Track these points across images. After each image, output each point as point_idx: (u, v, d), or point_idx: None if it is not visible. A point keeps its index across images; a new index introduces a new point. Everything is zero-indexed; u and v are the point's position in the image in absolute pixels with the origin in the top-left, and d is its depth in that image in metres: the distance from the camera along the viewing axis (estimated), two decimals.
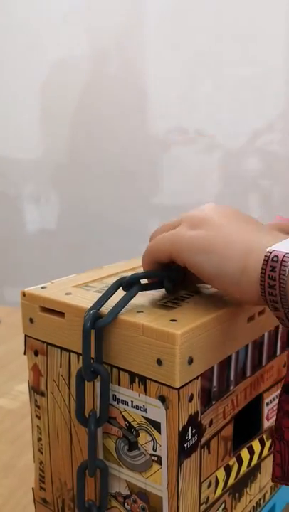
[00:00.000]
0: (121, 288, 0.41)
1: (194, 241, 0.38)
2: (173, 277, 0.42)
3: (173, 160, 1.56)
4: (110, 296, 0.40)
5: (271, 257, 0.34)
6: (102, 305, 0.40)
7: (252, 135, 1.51)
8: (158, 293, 0.44)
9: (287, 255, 0.34)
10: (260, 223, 0.41)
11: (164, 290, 0.43)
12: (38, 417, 0.47)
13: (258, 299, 0.36)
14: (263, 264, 0.34)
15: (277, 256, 0.34)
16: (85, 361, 0.39)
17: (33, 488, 0.50)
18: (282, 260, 0.34)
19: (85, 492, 0.43)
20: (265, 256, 0.35)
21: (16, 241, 1.82)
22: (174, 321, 0.37)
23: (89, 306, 0.40)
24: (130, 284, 0.41)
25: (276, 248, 0.35)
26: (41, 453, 0.48)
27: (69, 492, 0.46)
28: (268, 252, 0.35)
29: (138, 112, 1.62)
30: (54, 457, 0.47)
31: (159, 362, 0.36)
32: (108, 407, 0.40)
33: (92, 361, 0.39)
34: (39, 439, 0.48)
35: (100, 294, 0.41)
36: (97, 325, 0.39)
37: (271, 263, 0.34)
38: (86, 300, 0.42)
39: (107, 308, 0.39)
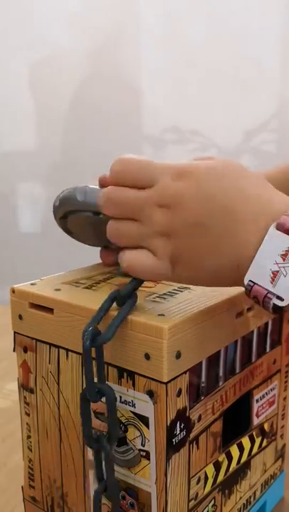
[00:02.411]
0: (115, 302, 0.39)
1: (180, 281, 0.38)
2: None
3: (167, 159, 1.56)
4: (106, 312, 0.38)
5: (252, 296, 0.34)
6: (99, 321, 0.38)
7: (246, 134, 1.51)
8: (146, 288, 0.43)
9: (268, 295, 0.33)
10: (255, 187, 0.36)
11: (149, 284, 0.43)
12: (28, 415, 0.47)
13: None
14: (246, 292, 0.34)
15: (256, 297, 0.33)
16: (88, 381, 0.37)
17: (22, 487, 0.50)
18: (263, 301, 0.33)
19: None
20: (246, 290, 0.34)
21: (8, 239, 1.82)
22: (162, 315, 0.37)
23: (78, 303, 0.40)
24: (124, 298, 0.38)
25: (253, 279, 0.33)
26: (30, 450, 0.48)
27: (58, 490, 0.46)
28: (248, 285, 0.33)
29: (133, 112, 1.62)
30: (43, 455, 0.47)
31: (147, 356, 0.36)
32: (118, 428, 0.39)
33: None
34: (28, 437, 0.48)
35: (90, 291, 0.41)
36: (97, 342, 0.37)
37: (254, 299, 0.34)
38: (75, 296, 0.42)
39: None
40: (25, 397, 0.47)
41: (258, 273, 0.33)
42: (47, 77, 1.69)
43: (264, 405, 0.50)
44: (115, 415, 0.38)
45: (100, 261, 0.53)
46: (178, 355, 0.36)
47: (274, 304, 0.32)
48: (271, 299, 0.33)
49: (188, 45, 1.50)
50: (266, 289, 0.33)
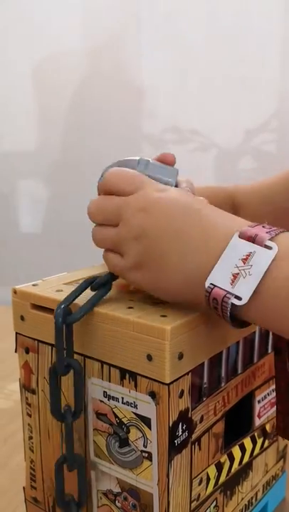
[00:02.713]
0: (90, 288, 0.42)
1: (141, 285, 0.40)
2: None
3: None
4: (79, 295, 0.41)
5: (211, 298, 0.35)
6: (71, 301, 0.40)
7: (247, 134, 1.51)
8: None
9: (227, 296, 0.34)
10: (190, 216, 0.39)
11: None
12: (29, 415, 0.47)
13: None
14: (205, 297, 0.35)
15: (216, 299, 0.35)
16: (58, 355, 0.39)
17: (24, 487, 0.50)
18: (221, 303, 0.34)
19: (64, 486, 0.42)
20: (206, 293, 0.35)
21: (9, 239, 1.81)
22: (164, 316, 0.37)
23: (79, 304, 0.40)
24: (100, 286, 0.42)
25: (214, 282, 0.35)
26: (32, 451, 0.48)
27: None
28: (208, 288, 0.35)
29: (133, 111, 1.62)
30: (45, 456, 0.47)
31: (149, 357, 0.36)
32: (82, 401, 0.40)
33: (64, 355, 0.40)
34: (30, 438, 0.48)
35: (93, 292, 0.41)
36: (68, 320, 0.39)
37: (213, 303, 0.35)
38: (77, 297, 0.42)
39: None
40: (26, 398, 0.47)
41: (219, 276, 0.35)
42: (47, 77, 1.69)
43: (266, 406, 0.50)
44: (81, 390, 0.40)
45: (101, 261, 0.53)
46: (180, 356, 0.36)
47: (232, 304, 0.34)
48: (229, 299, 0.34)
49: (189, 45, 1.50)
50: (225, 290, 0.34)
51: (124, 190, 0.40)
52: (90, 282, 0.42)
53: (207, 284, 0.35)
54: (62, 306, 0.39)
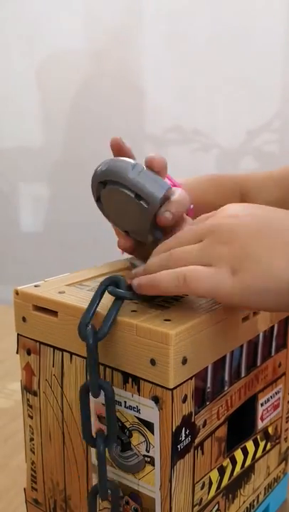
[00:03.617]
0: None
1: (242, 292, 0.35)
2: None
3: (169, 159, 1.55)
4: (98, 304, 0.39)
5: None
6: (92, 316, 0.38)
7: (248, 134, 1.50)
8: None
9: None
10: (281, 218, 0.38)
11: None
12: (31, 417, 0.47)
13: None
14: None
15: None
16: (93, 378, 0.37)
17: (24, 489, 0.50)
18: None
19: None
20: None
21: (10, 238, 1.81)
22: (168, 320, 0.37)
23: (82, 306, 0.40)
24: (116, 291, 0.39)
25: None
26: (33, 453, 0.48)
27: (61, 493, 0.46)
28: None
29: (135, 111, 1.61)
30: (46, 457, 0.46)
31: (153, 362, 0.36)
32: (116, 426, 0.39)
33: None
34: (31, 439, 0.47)
35: (94, 293, 0.40)
36: (98, 339, 0.37)
37: None
38: (79, 299, 0.42)
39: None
40: (28, 400, 0.47)
41: None
42: (49, 76, 1.68)
43: (269, 409, 0.50)
44: (114, 414, 0.38)
45: (102, 262, 0.53)
46: (184, 361, 0.36)
47: None
48: None
49: (191, 45, 1.50)
50: None
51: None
52: (105, 289, 0.39)
53: None
54: (89, 325, 0.37)
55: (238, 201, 0.44)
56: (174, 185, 0.57)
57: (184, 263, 0.36)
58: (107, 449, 0.41)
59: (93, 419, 0.41)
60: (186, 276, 0.35)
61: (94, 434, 0.39)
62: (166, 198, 0.45)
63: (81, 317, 0.38)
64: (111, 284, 0.39)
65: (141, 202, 0.44)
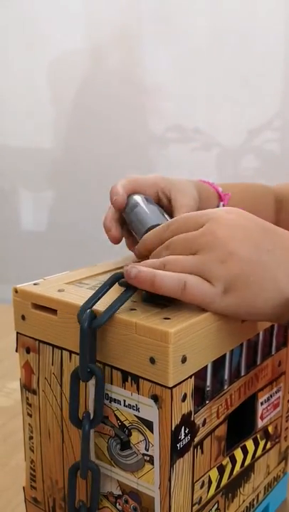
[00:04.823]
0: (117, 284, 0.40)
1: (233, 309, 0.38)
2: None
3: (170, 158, 1.55)
4: (105, 293, 0.40)
5: None
6: (96, 302, 0.39)
7: (249, 133, 1.50)
8: None
9: None
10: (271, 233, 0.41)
11: None
12: (30, 415, 0.47)
13: None
14: None
15: None
16: (82, 361, 0.38)
17: (24, 488, 0.50)
18: None
19: (76, 493, 0.42)
20: None
21: (11, 237, 1.81)
22: (168, 319, 0.37)
23: (82, 304, 0.39)
24: (128, 283, 0.39)
25: None
26: (32, 452, 0.48)
27: (60, 491, 0.46)
28: None
29: (136, 110, 1.61)
30: (45, 456, 0.46)
31: (152, 360, 0.36)
32: (102, 408, 0.40)
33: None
34: (30, 438, 0.47)
35: (93, 291, 0.40)
36: (93, 325, 0.38)
37: None
38: (79, 297, 0.42)
39: (99, 305, 0.39)
40: (27, 398, 0.46)
41: None
42: (50, 76, 1.68)
43: (268, 408, 0.50)
44: (102, 397, 0.39)
45: (102, 261, 0.53)
46: (183, 360, 0.36)
47: None
48: None
49: (192, 43, 1.50)
50: None
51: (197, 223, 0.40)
52: (117, 279, 0.40)
53: None
54: (89, 310, 0.38)
55: (271, 208, 0.47)
56: (220, 196, 0.59)
57: (180, 268, 0.38)
58: (106, 448, 0.41)
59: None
60: (187, 283, 0.37)
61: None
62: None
63: (84, 302, 0.39)
64: (123, 276, 0.40)
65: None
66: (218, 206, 0.60)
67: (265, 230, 0.40)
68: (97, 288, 0.43)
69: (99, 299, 0.39)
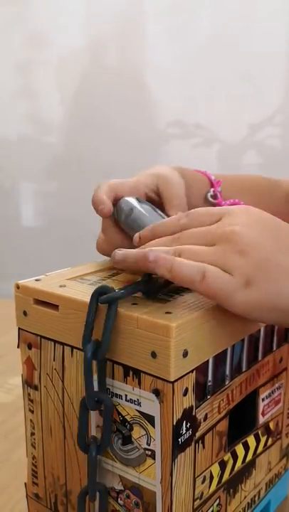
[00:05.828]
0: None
1: (254, 305, 0.36)
2: (152, 291, 0.40)
3: (171, 153, 1.55)
4: (94, 315, 0.39)
5: None
6: (92, 329, 0.39)
7: (251, 129, 1.50)
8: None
9: None
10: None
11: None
12: (32, 411, 0.47)
13: None
14: None
15: None
16: (88, 391, 0.38)
17: (25, 483, 0.50)
18: None
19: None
20: None
21: (11, 233, 1.81)
22: (169, 313, 0.37)
23: (83, 299, 0.39)
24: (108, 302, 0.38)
25: None
26: (34, 448, 0.48)
27: (62, 487, 0.46)
28: None
29: (136, 106, 1.61)
30: (47, 452, 0.46)
31: (154, 355, 0.36)
32: (110, 435, 0.40)
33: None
34: (32, 434, 0.47)
35: (95, 287, 0.40)
36: (99, 357, 0.38)
37: None
38: (80, 293, 0.41)
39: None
40: (29, 394, 0.46)
41: None
42: (50, 71, 1.68)
43: (270, 404, 0.50)
44: (110, 426, 0.39)
45: (103, 257, 0.52)
46: (185, 354, 0.36)
47: None
48: None
49: (193, 39, 1.49)
50: None
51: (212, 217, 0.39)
52: (97, 299, 0.38)
53: None
54: (92, 342, 0.38)
55: (280, 201, 0.47)
56: (212, 183, 0.59)
57: (198, 257, 0.37)
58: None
59: (94, 412, 0.41)
60: (207, 272, 0.35)
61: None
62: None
63: (82, 335, 0.38)
64: (100, 294, 0.38)
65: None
66: (208, 192, 0.59)
67: (282, 225, 0.39)
68: (98, 284, 0.43)
69: (92, 328, 0.39)
